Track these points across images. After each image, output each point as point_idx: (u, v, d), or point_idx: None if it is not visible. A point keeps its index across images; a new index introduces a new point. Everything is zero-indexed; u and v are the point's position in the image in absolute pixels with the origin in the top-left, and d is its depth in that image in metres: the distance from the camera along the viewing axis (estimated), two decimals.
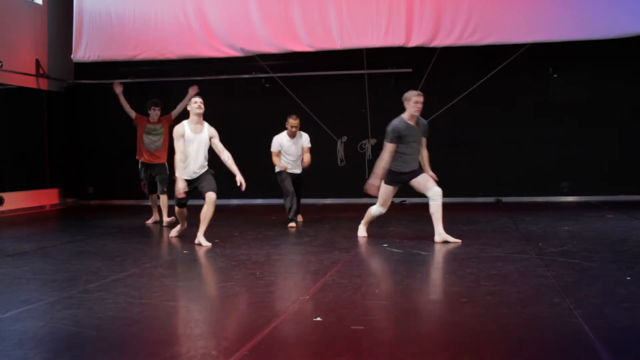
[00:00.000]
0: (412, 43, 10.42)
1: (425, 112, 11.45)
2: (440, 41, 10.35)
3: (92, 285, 5.19)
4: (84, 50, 11.37)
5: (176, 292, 5.15)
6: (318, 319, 4.11)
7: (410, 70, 11.59)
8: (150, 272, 6.01)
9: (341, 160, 12.04)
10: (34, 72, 11.97)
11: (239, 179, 7.17)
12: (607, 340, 3.56)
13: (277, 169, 8.78)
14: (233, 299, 4.95)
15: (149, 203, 9.47)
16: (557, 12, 10.08)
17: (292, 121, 8.73)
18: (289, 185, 8.69)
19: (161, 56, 11.27)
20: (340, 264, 5.87)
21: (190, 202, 7.51)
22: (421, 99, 7.17)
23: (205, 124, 7.32)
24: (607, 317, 4.04)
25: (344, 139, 12.08)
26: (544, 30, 10.11)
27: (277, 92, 11.93)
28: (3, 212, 10.91)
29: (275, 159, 8.82)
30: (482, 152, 11.77)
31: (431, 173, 7.32)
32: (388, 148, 7.08)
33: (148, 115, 9.21)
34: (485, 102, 11.58)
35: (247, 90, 12.34)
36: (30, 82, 11.94)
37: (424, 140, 7.39)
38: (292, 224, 8.54)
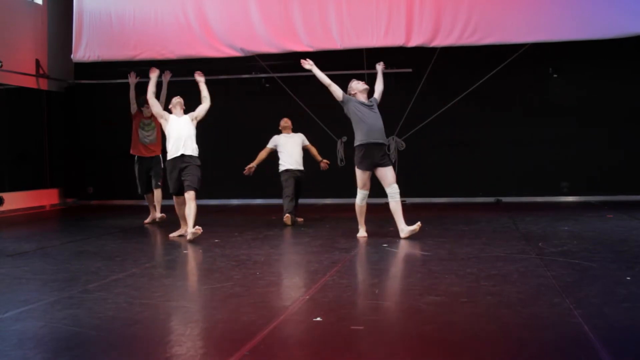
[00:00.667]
0: (412, 43, 10.42)
1: (425, 112, 11.61)
2: (440, 41, 10.35)
3: (92, 285, 5.19)
4: (84, 50, 11.37)
5: (176, 292, 5.14)
6: (318, 319, 4.11)
7: (410, 70, 11.60)
8: (150, 272, 6.01)
9: (341, 160, 12.03)
10: (34, 72, 11.98)
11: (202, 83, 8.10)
12: (607, 340, 3.56)
13: (280, 168, 8.95)
14: (233, 299, 4.95)
15: (147, 203, 9.52)
16: (557, 12, 10.07)
17: (283, 122, 9.24)
18: (290, 187, 8.71)
19: (161, 56, 11.26)
20: (340, 264, 5.87)
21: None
22: (363, 83, 7.64)
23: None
24: (607, 317, 4.04)
25: (344, 139, 12.06)
26: (544, 30, 10.11)
27: (277, 92, 11.93)
28: (3, 212, 10.92)
29: (261, 154, 9.10)
30: (482, 152, 11.77)
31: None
32: (338, 89, 7.71)
33: (141, 111, 9.36)
34: (485, 102, 11.58)
35: (247, 90, 12.34)
36: (30, 82, 11.94)
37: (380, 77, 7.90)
38: (287, 215, 8.60)
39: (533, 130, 11.53)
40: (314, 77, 12.00)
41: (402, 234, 7.16)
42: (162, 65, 11.94)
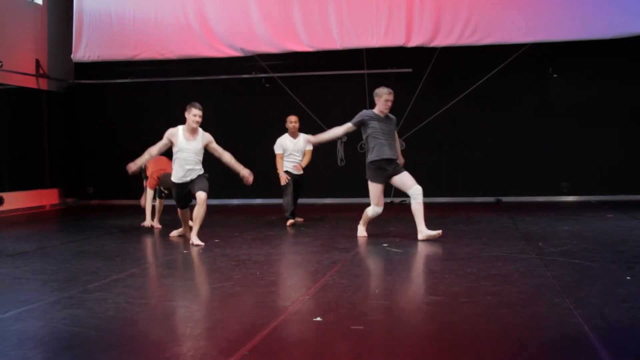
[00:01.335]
0: (412, 43, 10.43)
1: (425, 112, 11.62)
2: (440, 41, 10.36)
3: (92, 285, 5.19)
4: (84, 50, 11.39)
5: (176, 292, 5.14)
6: (318, 319, 4.11)
7: (410, 70, 11.60)
8: (150, 272, 6.02)
9: (341, 160, 12.03)
10: (34, 72, 11.98)
11: (244, 174, 7.22)
12: (607, 340, 3.56)
13: (282, 182, 8.71)
14: (233, 299, 4.95)
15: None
16: (557, 12, 10.09)
17: (292, 117, 8.91)
18: (290, 187, 8.71)
19: (161, 56, 11.28)
20: (340, 264, 5.87)
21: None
22: (392, 97, 7.22)
23: (200, 131, 7.23)
24: (607, 317, 4.03)
25: (344, 139, 12.03)
26: (544, 30, 10.12)
27: (277, 92, 11.93)
28: (3, 212, 10.92)
29: (279, 162, 8.80)
30: (482, 152, 11.77)
31: (402, 159, 7.47)
32: (346, 125, 7.27)
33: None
34: (485, 102, 11.58)
35: (247, 90, 12.34)
36: (30, 82, 11.94)
37: (395, 134, 7.48)
38: (291, 220, 8.58)
39: (533, 130, 11.53)
40: (313, 77, 12.08)
41: (420, 236, 7.09)
42: (162, 65, 12.00)
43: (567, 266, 5.57)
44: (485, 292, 4.80)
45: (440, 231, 7.08)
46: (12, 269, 5.94)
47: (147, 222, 8.81)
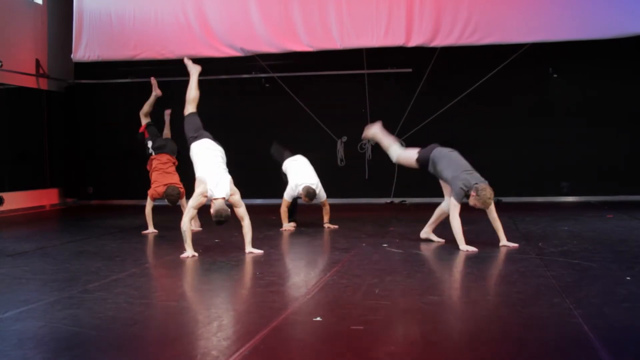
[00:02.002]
0: (412, 43, 10.43)
1: (425, 112, 11.61)
2: (440, 41, 10.36)
3: (92, 285, 5.19)
4: (84, 50, 11.39)
5: (176, 292, 5.14)
6: (318, 319, 4.11)
7: (410, 70, 11.61)
8: (150, 272, 6.02)
9: (341, 160, 12.04)
10: (34, 72, 11.98)
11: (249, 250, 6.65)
12: (607, 340, 3.56)
13: (284, 227, 8.35)
14: (233, 299, 4.95)
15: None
16: (557, 12, 10.09)
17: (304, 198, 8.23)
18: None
19: (161, 56, 11.28)
20: (340, 264, 5.87)
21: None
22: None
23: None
24: (607, 317, 4.03)
25: (344, 139, 12.08)
26: (544, 30, 10.13)
27: (277, 92, 11.93)
28: (3, 212, 10.91)
29: (284, 209, 8.33)
30: (482, 152, 11.73)
31: None
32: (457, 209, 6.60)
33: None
34: (485, 102, 11.58)
35: (247, 90, 12.34)
36: (30, 82, 11.94)
37: None
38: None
39: (533, 130, 11.53)
40: (313, 77, 12.07)
41: (423, 234, 7.14)
42: (162, 65, 11.99)
43: (567, 266, 5.57)
44: (485, 292, 4.81)
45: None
46: (12, 269, 5.94)
47: (149, 230, 8.81)
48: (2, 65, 10.83)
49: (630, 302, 4.38)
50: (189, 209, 6.47)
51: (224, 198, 6.43)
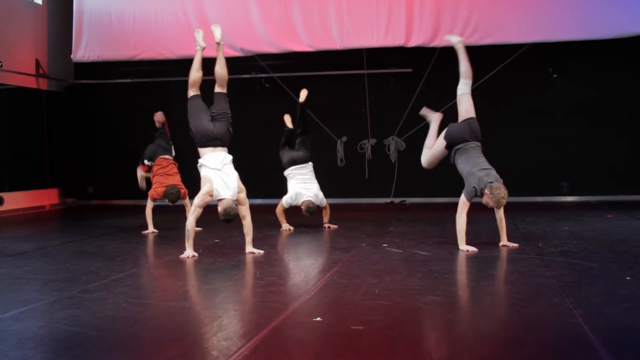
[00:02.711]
0: (412, 43, 10.44)
1: None
2: (440, 41, 10.36)
3: (92, 285, 5.19)
4: (84, 50, 11.39)
5: (176, 292, 5.14)
6: (318, 319, 4.11)
7: (410, 70, 11.61)
8: (150, 272, 6.02)
9: (341, 160, 12.04)
10: (34, 72, 11.98)
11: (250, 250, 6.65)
12: (607, 340, 3.56)
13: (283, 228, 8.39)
14: (233, 298, 4.95)
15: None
16: (557, 12, 10.09)
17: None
18: None
19: (161, 56, 11.29)
20: (340, 264, 5.87)
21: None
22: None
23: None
24: (607, 317, 4.04)
25: (344, 139, 12.08)
26: (544, 30, 10.13)
27: (277, 92, 11.93)
28: (3, 212, 10.91)
29: (280, 212, 8.39)
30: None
31: None
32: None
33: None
34: (485, 102, 11.51)
35: (247, 90, 12.34)
36: (30, 82, 11.95)
37: None
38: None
39: (533, 130, 11.53)
40: (313, 77, 12.07)
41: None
42: (162, 65, 11.99)
43: (567, 266, 5.57)
44: (485, 292, 4.81)
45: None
46: (12, 269, 5.94)
47: (149, 230, 8.81)
48: (2, 65, 10.83)
49: (630, 302, 4.38)
50: (194, 207, 6.43)
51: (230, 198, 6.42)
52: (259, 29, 10.79)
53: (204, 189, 6.43)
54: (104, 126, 12.75)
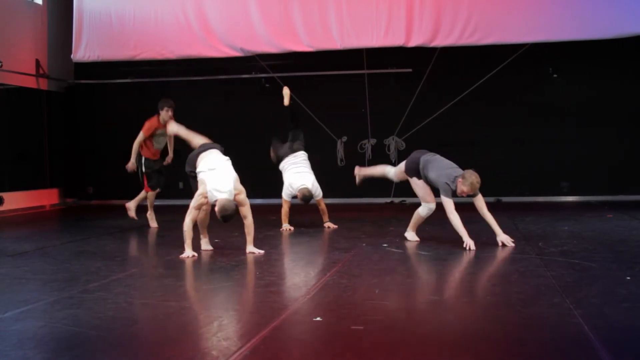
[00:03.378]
0: (412, 43, 10.44)
1: (425, 112, 11.62)
2: (440, 41, 10.37)
3: (92, 285, 5.19)
4: (84, 50, 11.39)
5: (176, 292, 5.14)
6: (318, 319, 4.11)
7: (410, 70, 11.61)
8: (150, 272, 6.02)
9: (341, 160, 12.04)
10: (34, 72, 11.97)
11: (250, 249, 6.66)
12: (607, 340, 3.56)
13: (284, 227, 8.37)
14: (233, 298, 4.95)
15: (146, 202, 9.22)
16: (557, 12, 10.09)
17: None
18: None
19: (161, 56, 11.28)
20: (340, 264, 5.87)
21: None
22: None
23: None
24: (607, 317, 4.04)
25: (344, 139, 12.08)
26: (544, 30, 10.13)
27: (277, 92, 11.89)
28: (3, 212, 10.91)
29: (285, 209, 8.38)
30: (482, 152, 11.76)
31: None
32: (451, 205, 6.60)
33: (158, 115, 8.70)
34: (485, 102, 11.58)
35: (247, 90, 12.34)
36: (30, 82, 11.94)
37: None
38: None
39: (533, 130, 11.53)
40: (313, 77, 12.07)
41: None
42: (162, 65, 12.00)
43: (567, 266, 5.57)
44: (485, 292, 4.81)
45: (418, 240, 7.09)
46: (12, 269, 5.94)
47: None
48: (2, 65, 10.83)
49: (630, 302, 4.38)
50: (191, 209, 6.45)
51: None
52: (259, 29, 10.78)
53: (199, 190, 6.46)
54: (104, 126, 12.75)
